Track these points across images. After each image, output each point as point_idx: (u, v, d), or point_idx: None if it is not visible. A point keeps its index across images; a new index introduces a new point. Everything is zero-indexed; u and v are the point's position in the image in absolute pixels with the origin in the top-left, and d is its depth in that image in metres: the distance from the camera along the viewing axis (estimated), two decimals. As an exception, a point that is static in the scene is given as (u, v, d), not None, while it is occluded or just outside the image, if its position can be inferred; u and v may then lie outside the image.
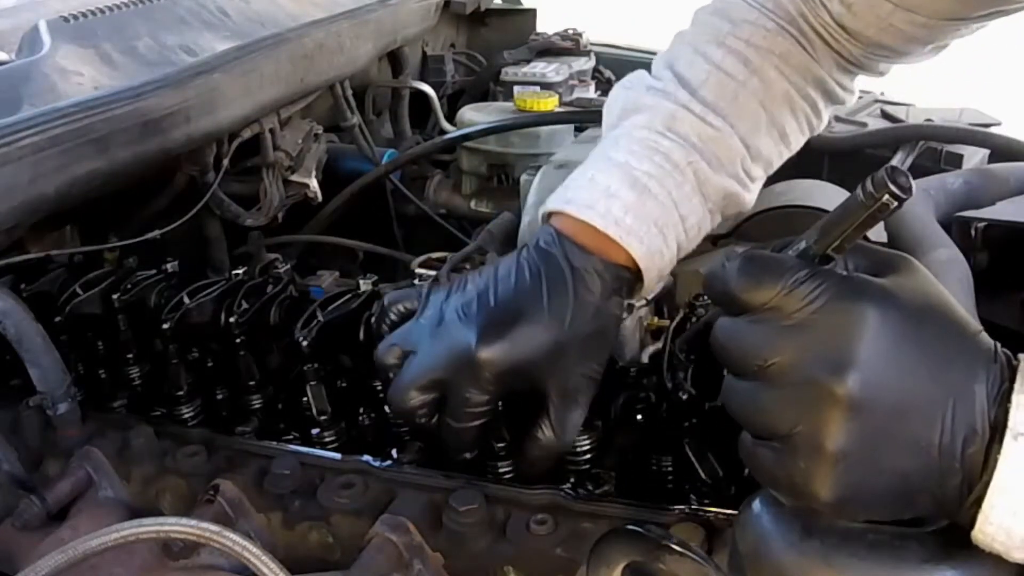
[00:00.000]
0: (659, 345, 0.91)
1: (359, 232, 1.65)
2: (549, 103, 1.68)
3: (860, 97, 1.80)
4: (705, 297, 0.96)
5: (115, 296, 1.07)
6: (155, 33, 1.38)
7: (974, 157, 1.56)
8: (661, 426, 0.88)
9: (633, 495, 0.86)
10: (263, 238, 1.53)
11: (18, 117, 1.04)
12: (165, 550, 0.86)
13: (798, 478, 0.58)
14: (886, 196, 0.56)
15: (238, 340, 1.02)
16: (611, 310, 0.84)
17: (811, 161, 1.64)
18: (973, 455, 0.55)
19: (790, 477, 0.59)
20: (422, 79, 2.05)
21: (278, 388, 1.04)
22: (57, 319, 1.06)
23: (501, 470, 0.89)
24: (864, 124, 1.68)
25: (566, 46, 2.06)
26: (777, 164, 0.95)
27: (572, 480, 0.87)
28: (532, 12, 2.25)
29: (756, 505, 0.65)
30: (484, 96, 2.04)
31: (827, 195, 1.34)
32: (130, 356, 1.08)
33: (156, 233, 1.25)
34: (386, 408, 0.95)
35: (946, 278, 1.00)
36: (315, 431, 0.97)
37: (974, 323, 0.60)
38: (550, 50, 2.06)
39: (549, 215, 0.88)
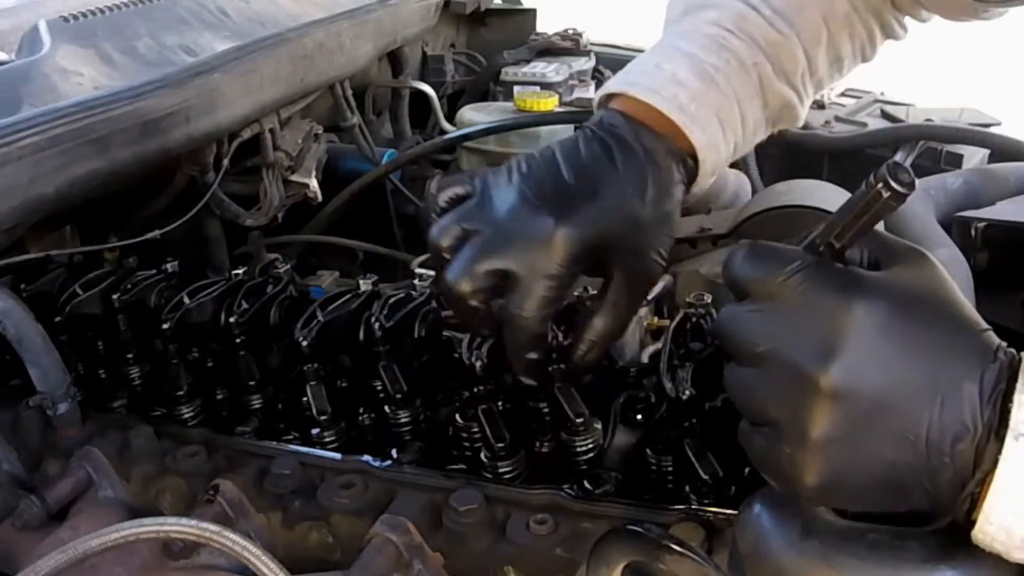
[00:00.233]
0: (659, 345, 0.91)
1: (359, 232, 1.65)
2: (549, 103, 1.68)
3: (860, 97, 1.80)
4: (705, 297, 0.96)
5: (115, 296, 1.07)
6: (155, 33, 1.38)
7: (974, 157, 1.56)
8: (661, 426, 0.88)
9: (633, 495, 0.86)
10: (263, 238, 1.53)
11: (18, 117, 1.04)
12: (165, 550, 0.86)
13: (785, 464, 0.60)
14: (887, 191, 0.57)
15: (238, 340, 1.02)
16: (678, 195, 0.82)
17: (811, 161, 1.64)
18: (964, 451, 0.56)
19: (778, 462, 0.60)
20: (422, 79, 2.05)
21: (278, 388, 1.04)
22: (57, 319, 1.06)
23: (501, 470, 0.89)
24: (864, 124, 1.68)
25: (566, 46, 2.06)
26: (827, 86, 0.94)
27: (572, 480, 0.87)
28: (532, 12, 2.25)
29: (756, 505, 0.65)
30: (484, 96, 2.04)
31: (827, 195, 1.34)
32: (130, 356, 1.08)
33: (156, 233, 1.25)
34: (439, 300, 0.88)
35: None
36: (315, 431, 0.97)
37: (977, 320, 0.60)
38: (550, 50, 2.06)
39: (608, 98, 0.85)
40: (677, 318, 0.94)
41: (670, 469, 0.87)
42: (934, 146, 1.59)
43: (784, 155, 1.68)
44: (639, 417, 0.93)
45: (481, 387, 0.90)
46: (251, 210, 1.49)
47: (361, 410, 0.99)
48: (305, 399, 0.97)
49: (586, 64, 2.02)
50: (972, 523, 0.57)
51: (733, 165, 1.31)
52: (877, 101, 1.80)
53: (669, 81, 0.82)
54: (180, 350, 1.04)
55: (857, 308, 0.58)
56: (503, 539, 0.83)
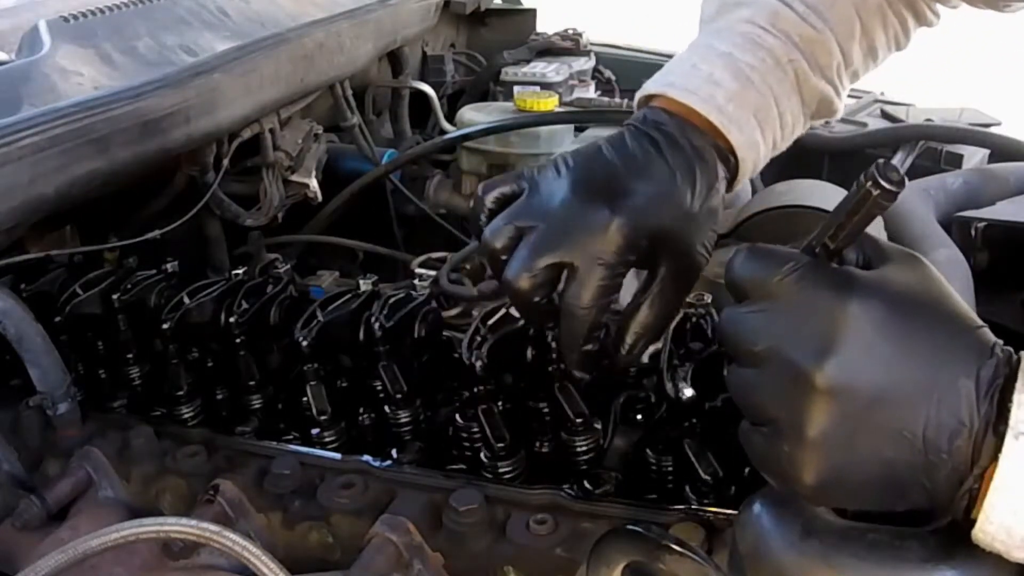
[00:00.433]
0: (659, 345, 0.91)
1: (359, 232, 1.65)
2: (549, 103, 1.68)
3: (860, 97, 1.80)
4: (705, 297, 0.96)
5: (115, 296, 1.07)
6: (155, 33, 1.38)
7: (974, 157, 1.56)
8: (661, 426, 0.88)
9: (633, 495, 0.86)
10: (263, 238, 1.53)
11: (18, 117, 1.04)
12: (165, 550, 0.86)
13: (783, 462, 0.60)
14: (876, 189, 0.57)
15: (238, 340, 1.02)
16: (722, 191, 0.83)
17: (811, 161, 1.64)
18: (961, 447, 0.56)
19: (777, 461, 0.61)
20: (422, 79, 2.05)
21: (278, 388, 1.04)
22: (57, 319, 1.06)
23: (501, 470, 0.89)
24: (864, 124, 1.68)
25: (566, 46, 2.06)
26: (862, 76, 0.94)
27: (572, 480, 0.87)
28: (532, 12, 2.25)
29: (756, 505, 0.65)
30: (484, 96, 2.04)
31: (827, 195, 1.34)
32: (130, 356, 1.08)
33: (156, 233, 1.25)
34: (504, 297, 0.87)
35: (946, 278, 1.00)
36: (315, 431, 0.97)
37: (972, 318, 0.60)
38: (550, 50, 2.06)
39: (648, 98, 0.86)
40: (677, 318, 0.94)
41: (670, 469, 0.87)
42: (934, 146, 1.59)
43: (784, 155, 1.67)
44: (639, 417, 0.93)
45: (481, 387, 0.90)
46: (251, 210, 1.49)
47: (361, 410, 0.99)
48: (305, 399, 0.97)
49: (586, 64, 2.02)
50: (971, 520, 0.57)
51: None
52: (877, 101, 1.80)
53: (706, 82, 0.83)
54: (180, 350, 1.04)
55: (852, 306, 0.58)
56: (503, 539, 0.83)
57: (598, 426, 0.91)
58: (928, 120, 1.63)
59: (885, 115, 1.72)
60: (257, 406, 1.03)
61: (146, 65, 1.31)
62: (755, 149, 0.85)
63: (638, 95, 0.88)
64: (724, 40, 0.86)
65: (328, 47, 1.54)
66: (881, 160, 0.58)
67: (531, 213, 0.78)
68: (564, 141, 1.70)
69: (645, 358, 0.99)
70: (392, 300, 1.01)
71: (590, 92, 1.85)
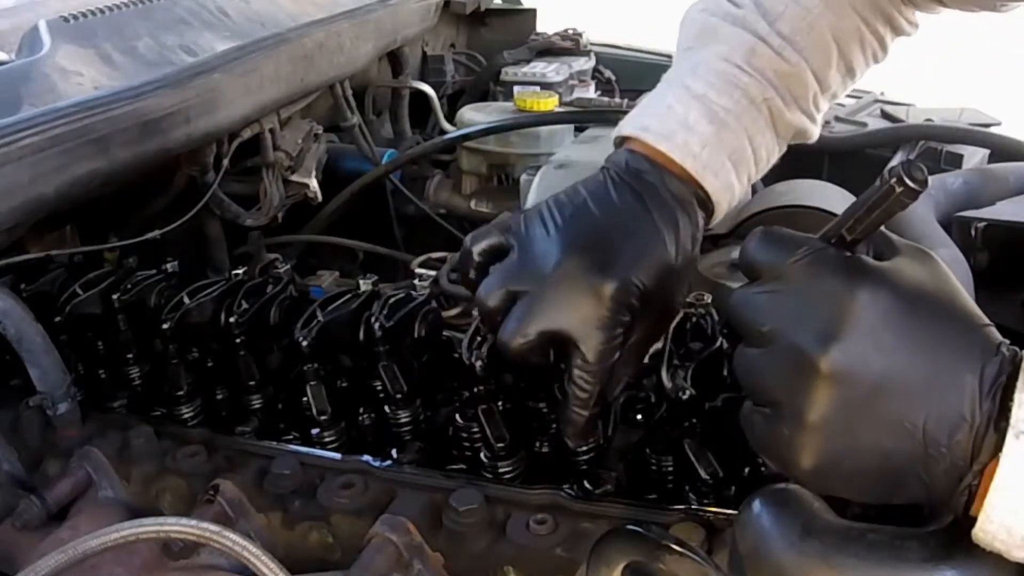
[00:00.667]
0: (659, 345, 0.91)
1: (359, 232, 1.65)
2: (549, 103, 1.68)
3: (860, 97, 1.80)
4: (705, 297, 0.96)
5: (115, 296, 1.06)
6: (155, 33, 1.38)
7: (974, 157, 1.56)
8: (661, 426, 0.88)
9: (633, 495, 0.86)
10: (263, 238, 1.53)
11: (18, 117, 1.04)
12: (165, 550, 0.86)
13: (782, 445, 0.61)
14: (900, 186, 0.58)
15: (238, 340, 1.02)
16: (699, 238, 0.84)
17: (811, 161, 1.64)
18: (961, 442, 0.56)
19: (776, 443, 0.61)
20: (422, 79, 2.05)
21: (278, 388, 1.04)
22: (57, 319, 1.06)
23: (501, 470, 0.89)
24: (864, 124, 1.68)
25: (566, 46, 2.06)
26: (841, 96, 0.95)
27: (572, 480, 0.87)
28: (532, 12, 2.25)
29: (756, 505, 0.65)
30: (484, 96, 2.04)
31: (827, 195, 1.34)
32: (130, 356, 1.08)
33: (156, 233, 1.25)
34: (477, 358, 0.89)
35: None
36: (315, 431, 0.97)
37: (980, 316, 0.60)
38: (550, 50, 2.06)
39: (623, 139, 0.87)
40: (677, 318, 0.94)
41: (670, 469, 0.87)
42: (934, 146, 1.59)
43: (784, 155, 1.68)
44: (639, 417, 0.93)
45: (481, 387, 0.90)
46: (251, 210, 1.49)
47: (361, 410, 0.99)
48: (305, 399, 0.97)
49: (586, 64, 2.02)
50: (970, 517, 0.57)
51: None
52: (877, 101, 1.80)
53: (681, 126, 0.84)
54: (180, 350, 1.04)
55: (862, 294, 0.59)
56: (503, 539, 0.83)
57: (598, 426, 0.90)
58: (928, 120, 1.63)
59: (885, 115, 1.72)
60: (257, 406, 1.03)
61: (146, 65, 1.31)
62: (730, 191, 0.86)
63: (613, 133, 0.88)
64: (699, 80, 0.86)
65: (328, 47, 1.54)
66: (908, 159, 0.59)
67: (523, 277, 0.79)
68: (564, 141, 1.70)
69: (645, 358, 0.99)
70: (392, 300, 1.01)
71: (590, 92, 1.85)
